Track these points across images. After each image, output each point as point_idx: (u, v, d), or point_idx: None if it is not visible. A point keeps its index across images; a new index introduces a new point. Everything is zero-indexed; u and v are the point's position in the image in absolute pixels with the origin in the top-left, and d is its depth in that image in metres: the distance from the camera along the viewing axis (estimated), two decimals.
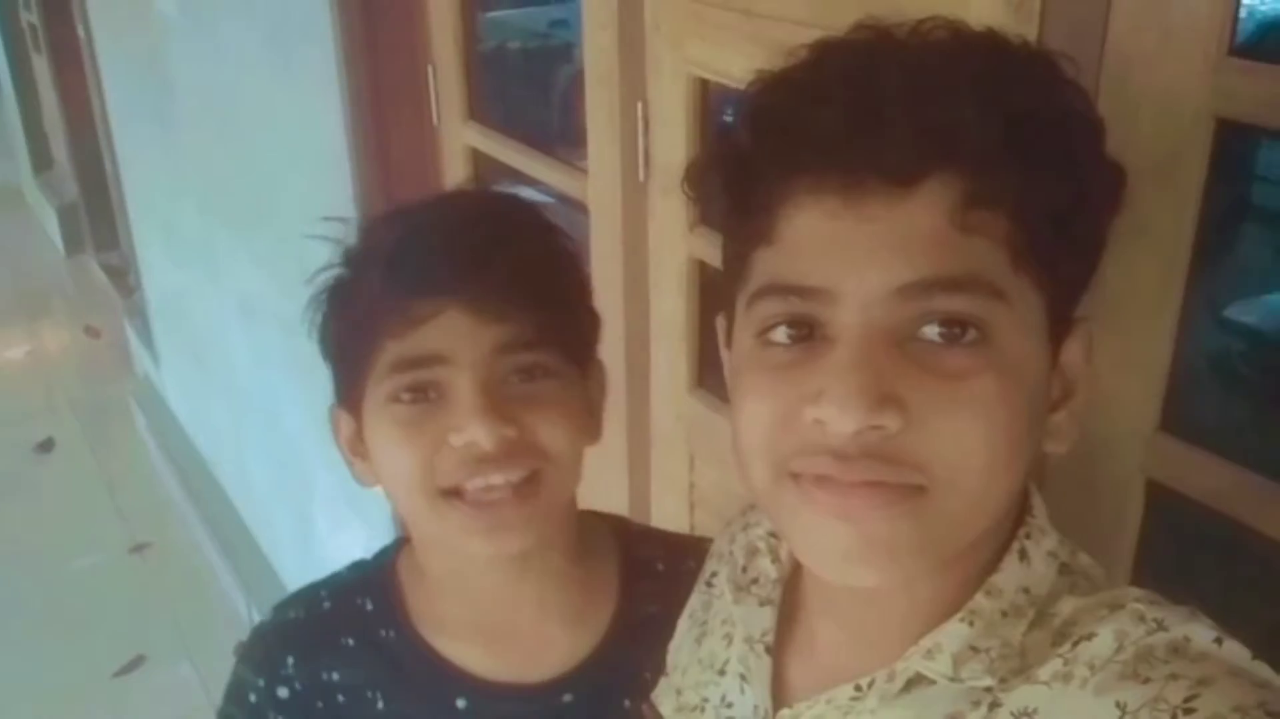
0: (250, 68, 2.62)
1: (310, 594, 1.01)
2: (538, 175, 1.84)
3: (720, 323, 0.73)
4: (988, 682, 0.62)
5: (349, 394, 0.91)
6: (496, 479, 0.85)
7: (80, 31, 4.30)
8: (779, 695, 0.73)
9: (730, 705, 0.77)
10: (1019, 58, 0.61)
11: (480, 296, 0.84)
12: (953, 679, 0.63)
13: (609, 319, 1.66)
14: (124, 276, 5.05)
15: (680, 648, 0.88)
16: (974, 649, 0.63)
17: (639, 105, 1.50)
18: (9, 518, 3.97)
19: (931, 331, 0.58)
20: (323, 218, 0.93)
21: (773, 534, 0.80)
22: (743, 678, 0.76)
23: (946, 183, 0.58)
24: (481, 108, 2.00)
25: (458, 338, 0.84)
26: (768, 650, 0.74)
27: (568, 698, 0.96)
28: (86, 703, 3.16)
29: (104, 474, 4.29)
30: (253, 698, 0.97)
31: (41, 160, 6.66)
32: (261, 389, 3.10)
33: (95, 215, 5.68)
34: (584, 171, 1.67)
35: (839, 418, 0.57)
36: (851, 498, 0.59)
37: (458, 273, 0.84)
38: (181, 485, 3.99)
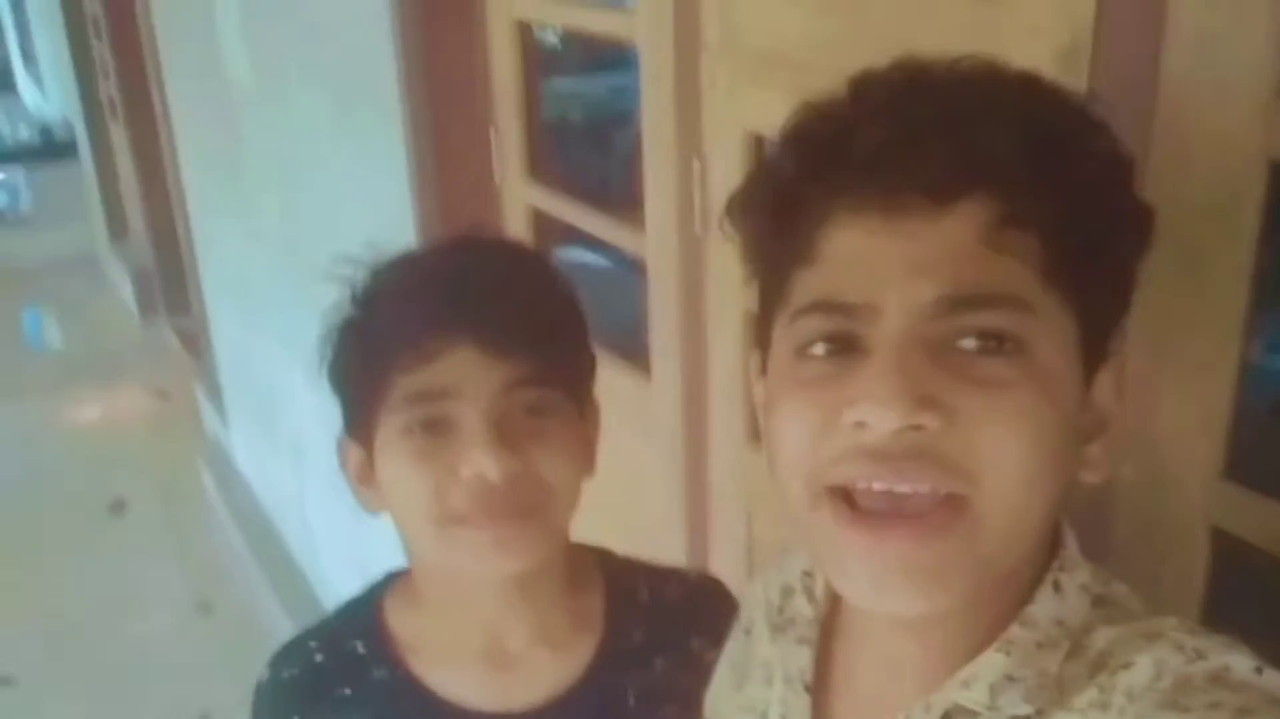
0: (319, 132, 2.70)
1: (301, 648, 1.04)
2: (597, 232, 1.87)
3: (753, 359, 0.74)
4: (1026, 710, 0.62)
5: (359, 426, 0.95)
6: (502, 508, 0.89)
7: (157, 102, 4.45)
8: None
9: None
10: (1052, 94, 0.64)
11: (490, 335, 0.88)
12: (990, 708, 0.63)
13: (666, 373, 1.68)
14: (196, 340, 5.16)
15: (719, 695, 0.89)
16: (1010, 679, 0.64)
17: (695, 162, 1.52)
18: (80, 577, 4.04)
19: (969, 344, 0.60)
20: (335, 260, 0.97)
21: (808, 573, 0.81)
22: (784, 718, 0.77)
23: (981, 203, 0.60)
24: (542, 168, 2.04)
25: (468, 374, 0.88)
26: (806, 689, 0.75)
27: None
28: None
29: (173, 534, 4.35)
30: None
31: (117, 227, 6.85)
32: (326, 450, 3.12)
33: (169, 280, 5.82)
34: (642, 228, 1.69)
35: (879, 415, 0.58)
36: (884, 529, 0.60)
37: (469, 312, 0.88)
38: (248, 545, 4.04)
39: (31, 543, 4.26)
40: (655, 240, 1.65)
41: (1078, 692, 0.61)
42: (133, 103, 5.59)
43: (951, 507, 0.59)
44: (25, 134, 9.30)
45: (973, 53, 0.65)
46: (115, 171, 6.68)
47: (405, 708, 0.99)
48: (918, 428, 0.58)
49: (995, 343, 0.60)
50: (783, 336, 0.67)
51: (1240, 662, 0.58)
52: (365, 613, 1.04)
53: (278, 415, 3.69)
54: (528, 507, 0.90)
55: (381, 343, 0.91)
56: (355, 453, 0.97)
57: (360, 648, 1.01)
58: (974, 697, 0.64)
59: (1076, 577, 0.67)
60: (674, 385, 1.64)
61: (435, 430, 0.89)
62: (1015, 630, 0.65)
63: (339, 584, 3.48)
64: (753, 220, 0.70)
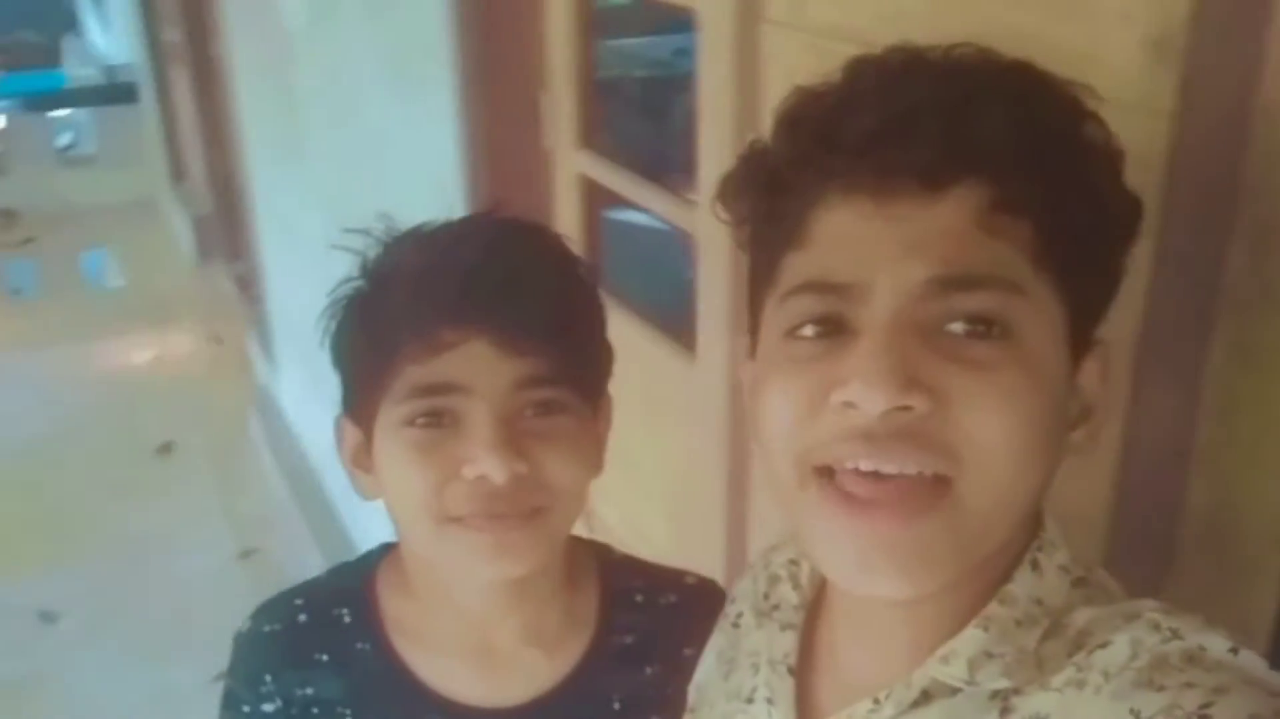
0: (370, 85, 2.66)
1: (286, 604, 1.01)
2: (647, 205, 1.82)
3: (742, 341, 0.75)
4: (1004, 684, 0.63)
5: (360, 409, 0.91)
6: (504, 511, 0.85)
7: (218, 47, 4.44)
8: (806, 716, 0.74)
9: None
10: (1046, 82, 0.64)
11: (505, 330, 0.84)
12: (968, 683, 0.64)
13: (712, 352, 1.63)
14: (250, 286, 5.19)
15: (706, 684, 0.89)
16: (989, 655, 0.64)
17: (752, 137, 1.45)
18: (125, 518, 4.09)
19: (957, 328, 0.61)
20: (345, 229, 0.93)
21: (794, 562, 0.82)
22: (769, 702, 0.77)
23: (974, 188, 0.61)
24: (595, 135, 1.98)
25: (479, 369, 0.84)
26: (790, 671, 0.76)
27: None
28: (186, 703, 3.21)
29: (219, 479, 4.40)
30: (245, 709, 0.98)
31: (177, 171, 6.89)
32: None
33: (226, 225, 5.85)
34: (694, 203, 1.64)
35: (867, 396, 0.58)
36: (870, 510, 0.60)
37: (485, 305, 0.84)
38: (292, 493, 4.07)
39: (80, 482, 4.32)
40: (706, 216, 1.59)
41: (1056, 670, 0.62)
42: (195, 47, 5.58)
43: (936, 488, 0.60)
44: (92, 76, 9.37)
45: (967, 41, 0.65)
46: (176, 116, 6.71)
47: (382, 686, 0.96)
48: (905, 409, 0.59)
49: (984, 327, 0.60)
50: (772, 318, 0.67)
51: (1216, 642, 0.58)
52: (357, 582, 1.01)
53: (324, 367, 3.69)
54: (531, 510, 0.87)
55: (390, 328, 0.86)
56: (352, 434, 0.94)
57: (347, 616, 0.98)
58: (953, 672, 0.65)
59: (1055, 558, 0.68)
60: (720, 365, 1.59)
61: (439, 424, 0.85)
62: (994, 608, 0.65)
63: (379, 538, 3.48)
64: (745, 202, 0.71)
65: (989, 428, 0.59)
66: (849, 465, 0.61)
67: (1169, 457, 0.92)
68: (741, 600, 0.89)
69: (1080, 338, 0.65)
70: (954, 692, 0.65)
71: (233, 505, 4.22)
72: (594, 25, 1.95)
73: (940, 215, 0.61)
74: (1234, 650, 0.58)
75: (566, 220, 2.01)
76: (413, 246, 0.91)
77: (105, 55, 9.94)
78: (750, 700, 0.80)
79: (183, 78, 6.14)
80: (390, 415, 0.87)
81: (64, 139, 8.07)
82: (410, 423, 0.86)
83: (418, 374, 0.85)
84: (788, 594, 0.80)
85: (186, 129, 6.50)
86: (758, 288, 0.70)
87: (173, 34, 6.18)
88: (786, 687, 0.76)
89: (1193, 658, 0.58)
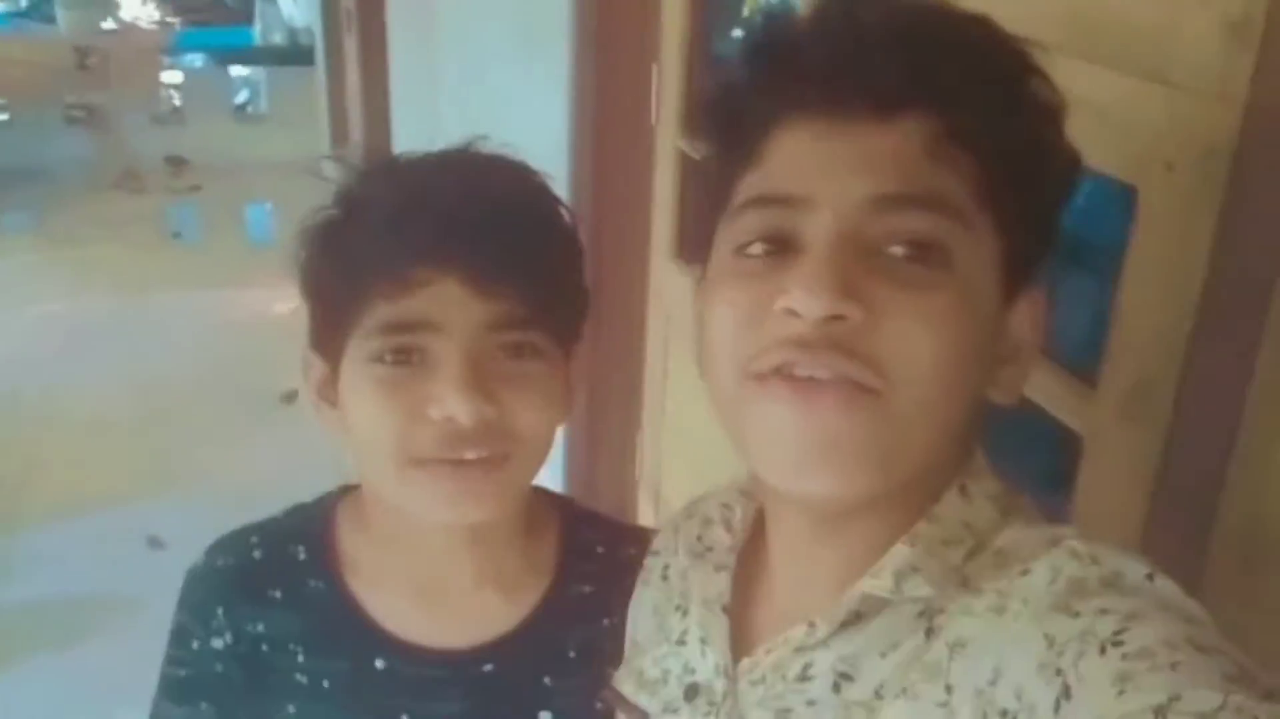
0: (497, 44, 2.69)
1: (242, 540, 1.00)
2: None
3: (695, 271, 0.75)
4: (927, 591, 0.65)
5: (327, 341, 0.90)
6: (469, 455, 0.83)
7: (385, 16, 4.57)
8: (742, 651, 0.75)
9: (693, 671, 0.79)
10: (999, 33, 0.67)
11: (479, 270, 0.82)
12: (894, 593, 0.66)
13: None
14: None
15: (638, 632, 0.88)
16: (915, 569, 0.66)
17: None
18: (241, 457, 4.25)
19: (898, 250, 0.63)
20: (317, 157, 0.92)
21: (726, 505, 0.84)
22: (703, 641, 0.79)
23: (924, 118, 0.64)
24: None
25: (450, 308, 0.82)
26: (724, 610, 0.77)
27: (488, 667, 0.94)
28: None
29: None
30: (195, 644, 0.97)
31: (340, 135, 7.12)
32: None
33: None
34: None
35: (805, 302, 0.61)
36: (810, 392, 0.62)
37: (459, 244, 0.82)
38: None
39: (206, 419, 4.51)
40: None
41: (978, 591, 0.64)
42: (366, 16, 5.76)
43: (866, 395, 0.62)
44: (276, 38, 9.77)
45: None
46: (344, 81, 6.93)
47: (335, 625, 0.95)
48: (840, 318, 0.61)
49: (923, 251, 0.63)
50: (723, 235, 0.69)
51: (1133, 567, 0.59)
52: (314, 520, 1.00)
53: None
54: (496, 456, 0.85)
55: (361, 262, 0.85)
56: (318, 367, 0.93)
57: (301, 554, 0.98)
58: (880, 584, 0.67)
59: (985, 487, 0.70)
60: None
61: (408, 361, 0.84)
62: (922, 526, 0.68)
63: None
64: (705, 131, 0.73)
65: (917, 345, 0.62)
66: (785, 372, 0.63)
67: (1213, 448, 0.85)
68: (666, 553, 0.90)
69: (1014, 280, 0.67)
70: (883, 606, 0.67)
71: (344, 457, 4.32)
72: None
73: (890, 139, 0.63)
74: (1150, 577, 0.59)
75: (662, 196, 1.99)
76: (388, 179, 0.89)
77: (291, 19, 10.34)
78: (682, 642, 0.81)
79: (353, 45, 6.33)
80: (358, 350, 0.86)
81: (241, 96, 8.43)
82: (378, 359, 0.85)
83: (388, 310, 0.84)
84: (720, 536, 0.83)
85: (351, 95, 6.71)
86: (712, 210, 0.72)
87: (348, 3, 6.39)
88: (721, 624, 0.77)
89: (1109, 584, 0.59)
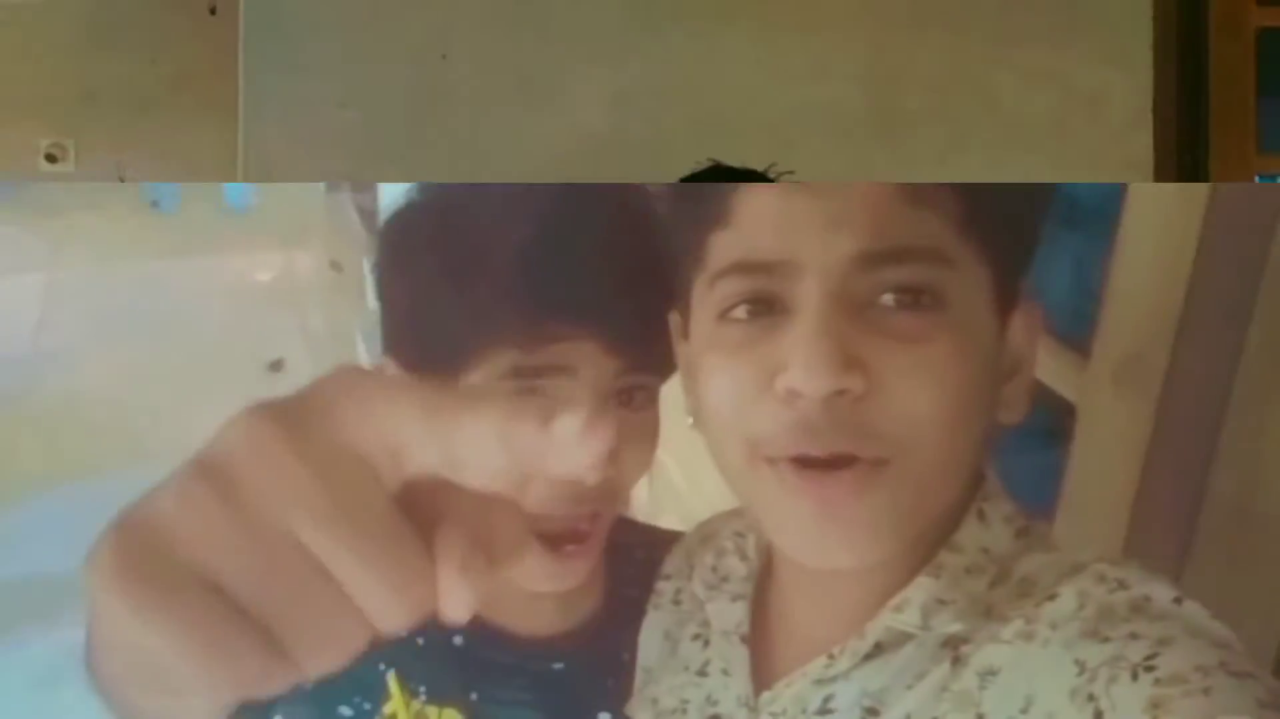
0: None
1: None
2: None
3: (674, 318, 0.76)
4: (957, 627, 0.64)
5: (426, 366, 0.85)
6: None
7: None
8: (763, 682, 0.74)
9: (716, 703, 0.78)
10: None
11: (615, 331, 0.81)
12: (922, 628, 0.65)
13: None
14: (373, 217, 5.28)
15: (648, 658, 0.88)
16: (941, 601, 0.65)
17: None
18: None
19: (888, 299, 0.62)
20: None
21: (739, 534, 0.82)
22: (724, 672, 0.78)
23: None
24: None
25: (583, 364, 0.81)
26: (743, 640, 0.77)
27: (558, 666, 0.92)
28: None
29: None
30: None
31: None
32: None
33: None
34: None
35: (808, 382, 0.60)
36: (825, 481, 0.61)
37: (596, 304, 0.80)
38: None
39: (191, 383, 4.48)
40: None
41: (1003, 618, 0.63)
42: None
43: (877, 467, 0.62)
44: None
45: None
46: None
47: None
48: (844, 392, 0.60)
49: (914, 296, 0.62)
50: (703, 301, 0.68)
51: (1161, 591, 0.59)
52: None
53: None
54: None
55: (488, 299, 0.80)
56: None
57: None
58: (906, 619, 0.66)
59: (1000, 508, 0.70)
60: None
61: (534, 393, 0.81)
62: (944, 555, 0.67)
63: None
64: (670, 187, 0.74)
65: (921, 407, 0.61)
66: (798, 460, 0.63)
67: (1197, 441, 0.87)
68: (678, 577, 0.90)
69: (1006, 296, 0.67)
70: (907, 640, 0.66)
71: None
72: None
73: (864, 187, 0.62)
74: (1178, 600, 0.58)
75: None
76: (513, 211, 0.83)
77: None
78: (704, 673, 0.80)
79: None
80: (473, 381, 0.82)
81: None
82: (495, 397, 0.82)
83: (519, 358, 0.80)
84: (735, 566, 0.81)
85: None
86: (685, 266, 0.71)
87: None
88: (741, 655, 0.76)
89: (1138, 608, 0.58)
